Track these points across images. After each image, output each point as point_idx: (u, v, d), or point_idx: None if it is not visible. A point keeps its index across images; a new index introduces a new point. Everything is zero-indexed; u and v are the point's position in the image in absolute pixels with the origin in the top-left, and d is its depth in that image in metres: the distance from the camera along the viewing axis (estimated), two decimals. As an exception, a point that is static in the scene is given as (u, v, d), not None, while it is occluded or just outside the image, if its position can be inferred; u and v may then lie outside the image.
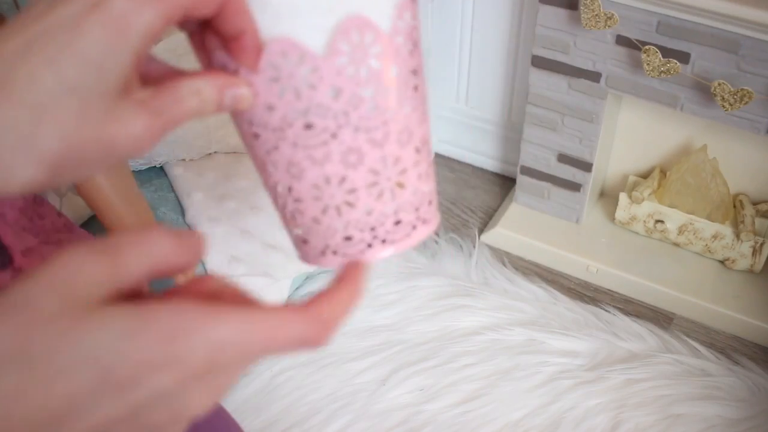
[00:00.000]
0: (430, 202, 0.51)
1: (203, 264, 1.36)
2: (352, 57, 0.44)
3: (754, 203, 1.76)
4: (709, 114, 1.51)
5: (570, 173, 1.78)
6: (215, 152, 1.56)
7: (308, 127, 0.46)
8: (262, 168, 0.48)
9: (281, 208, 0.50)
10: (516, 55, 1.85)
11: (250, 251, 1.41)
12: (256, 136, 0.46)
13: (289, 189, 0.48)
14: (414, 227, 0.50)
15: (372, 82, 0.45)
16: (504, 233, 1.86)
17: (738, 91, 1.40)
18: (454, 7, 1.83)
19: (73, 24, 0.32)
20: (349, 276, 0.41)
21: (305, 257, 0.51)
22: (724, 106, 1.43)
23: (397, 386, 1.58)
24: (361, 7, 0.43)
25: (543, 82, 1.66)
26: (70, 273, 0.30)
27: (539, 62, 1.64)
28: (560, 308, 1.73)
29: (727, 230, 1.71)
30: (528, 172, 1.84)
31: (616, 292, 1.79)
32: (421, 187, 0.50)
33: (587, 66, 1.59)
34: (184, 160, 1.54)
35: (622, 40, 1.50)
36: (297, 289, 1.77)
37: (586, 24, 1.47)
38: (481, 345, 1.65)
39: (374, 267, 1.82)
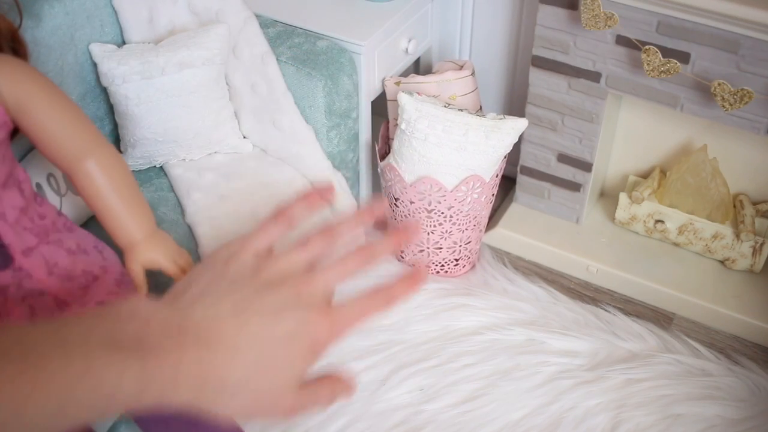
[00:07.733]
0: (470, 256, 1.48)
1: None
2: (465, 192, 1.11)
3: (754, 203, 1.76)
4: (709, 114, 1.51)
5: (570, 173, 1.78)
6: (215, 152, 1.56)
7: (429, 215, 1.31)
8: (396, 218, 1.18)
9: None
10: (516, 55, 1.85)
11: (250, 251, 1.41)
12: (397, 203, 1.12)
13: None
14: (463, 266, 1.57)
15: (470, 204, 1.11)
16: (504, 233, 1.86)
17: (738, 91, 1.40)
18: (454, 7, 1.83)
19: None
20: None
21: (399, 261, 1.47)
22: (724, 106, 1.43)
23: (397, 386, 1.58)
24: (477, 169, 1.16)
25: (543, 82, 1.66)
26: None
27: (539, 62, 1.64)
28: (560, 308, 1.73)
29: (727, 230, 1.71)
30: (528, 172, 1.84)
31: (616, 292, 1.79)
32: (473, 248, 1.32)
33: (587, 66, 1.59)
34: (184, 160, 1.54)
35: (622, 40, 1.50)
36: (297, 289, 1.77)
37: (586, 24, 1.47)
38: (481, 345, 1.65)
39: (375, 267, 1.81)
